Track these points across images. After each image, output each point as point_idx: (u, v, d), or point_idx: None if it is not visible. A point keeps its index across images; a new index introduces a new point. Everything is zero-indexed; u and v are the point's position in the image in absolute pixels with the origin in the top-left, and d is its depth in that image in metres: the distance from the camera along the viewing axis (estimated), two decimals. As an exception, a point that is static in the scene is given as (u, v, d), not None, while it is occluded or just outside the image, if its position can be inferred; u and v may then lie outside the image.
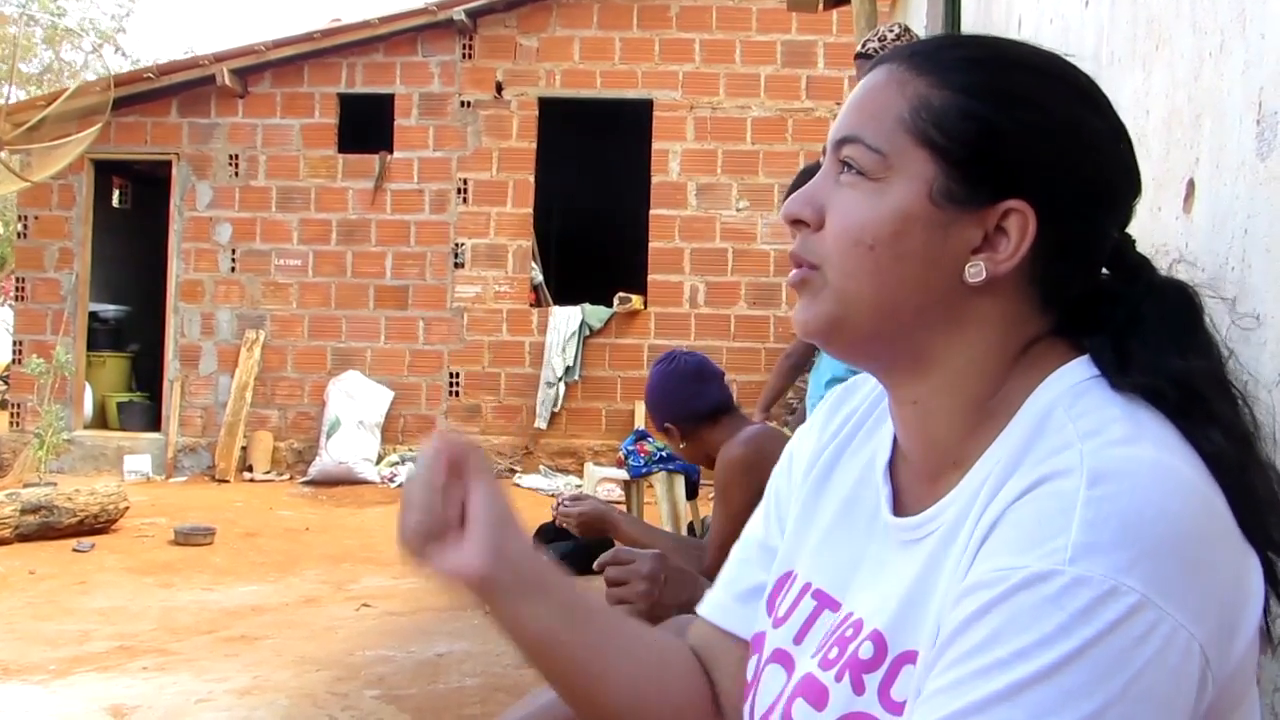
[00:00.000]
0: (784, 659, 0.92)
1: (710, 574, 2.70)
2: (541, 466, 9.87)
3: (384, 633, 4.87)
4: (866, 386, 1.02)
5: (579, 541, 6.24)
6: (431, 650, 4.50)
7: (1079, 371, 0.82)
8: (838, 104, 9.80)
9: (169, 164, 10.34)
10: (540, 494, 9.22)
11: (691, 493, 6.44)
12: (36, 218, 10.40)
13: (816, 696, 0.85)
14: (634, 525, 2.88)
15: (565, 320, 9.95)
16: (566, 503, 2.87)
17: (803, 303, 0.88)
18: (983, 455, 0.82)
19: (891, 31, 4.08)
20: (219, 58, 10.04)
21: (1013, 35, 3.23)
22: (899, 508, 0.91)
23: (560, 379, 9.88)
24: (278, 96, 10.27)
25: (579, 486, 8.73)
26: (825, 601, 0.92)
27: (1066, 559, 0.67)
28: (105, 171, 11.17)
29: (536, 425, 9.91)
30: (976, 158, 0.82)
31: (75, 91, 9.87)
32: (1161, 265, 0.89)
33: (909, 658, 0.80)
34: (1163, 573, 0.67)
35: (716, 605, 1.07)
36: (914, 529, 0.86)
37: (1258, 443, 0.82)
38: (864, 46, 4.05)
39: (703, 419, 2.81)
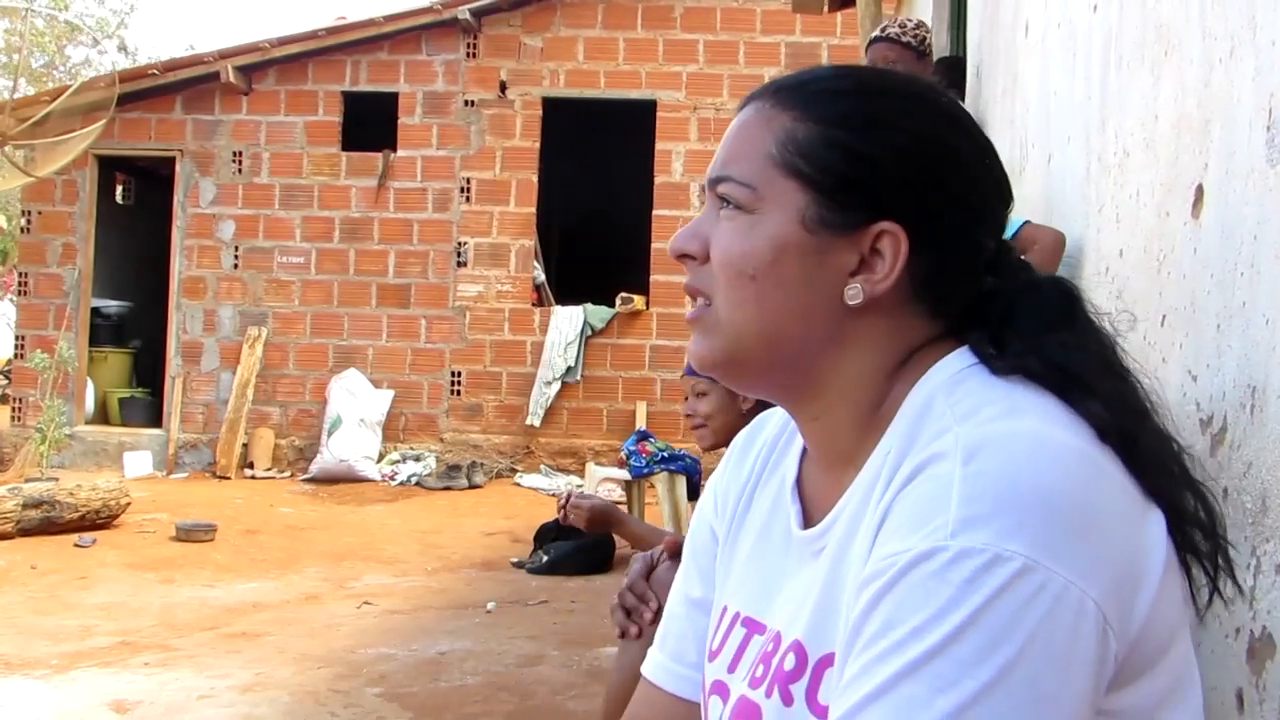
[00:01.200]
0: (721, 689, 0.94)
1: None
2: (543, 466, 9.88)
3: (385, 631, 4.88)
4: (772, 420, 1.06)
5: (580, 542, 6.28)
6: (433, 648, 4.51)
7: (957, 362, 0.85)
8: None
9: (173, 160, 10.35)
10: (541, 493, 9.22)
11: (693, 493, 6.45)
12: (40, 213, 10.41)
13: (750, 716, 0.87)
14: (639, 524, 2.89)
15: (567, 320, 9.95)
16: (577, 497, 2.89)
17: (697, 338, 0.91)
18: (870, 457, 0.85)
19: (910, 21, 4.12)
20: (223, 55, 10.05)
21: (1020, 39, 3.23)
22: (807, 521, 0.94)
23: (558, 378, 9.89)
24: (282, 94, 10.28)
25: (580, 486, 8.74)
26: (753, 627, 0.95)
27: (948, 534, 0.69)
28: (109, 167, 11.18)
29: (529, 423, 9.92)
30: (843, 184, 0.85)
31: (80, 87, 9.88)
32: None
33: (828, 661, 0.82)
34: (1046, 534, 0.69)
35: (655, 665, 1.10)
36: (818, 538, 0.89)
37: (1154, 417, 0.84)
38: (884, 30, 4.08)
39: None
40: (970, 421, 0.77)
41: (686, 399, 2.89)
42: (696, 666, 1.04)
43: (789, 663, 0.85)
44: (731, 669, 0.93)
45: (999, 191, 0.90)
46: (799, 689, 0.83)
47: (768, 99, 0.90)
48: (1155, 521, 0.77)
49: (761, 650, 0.90)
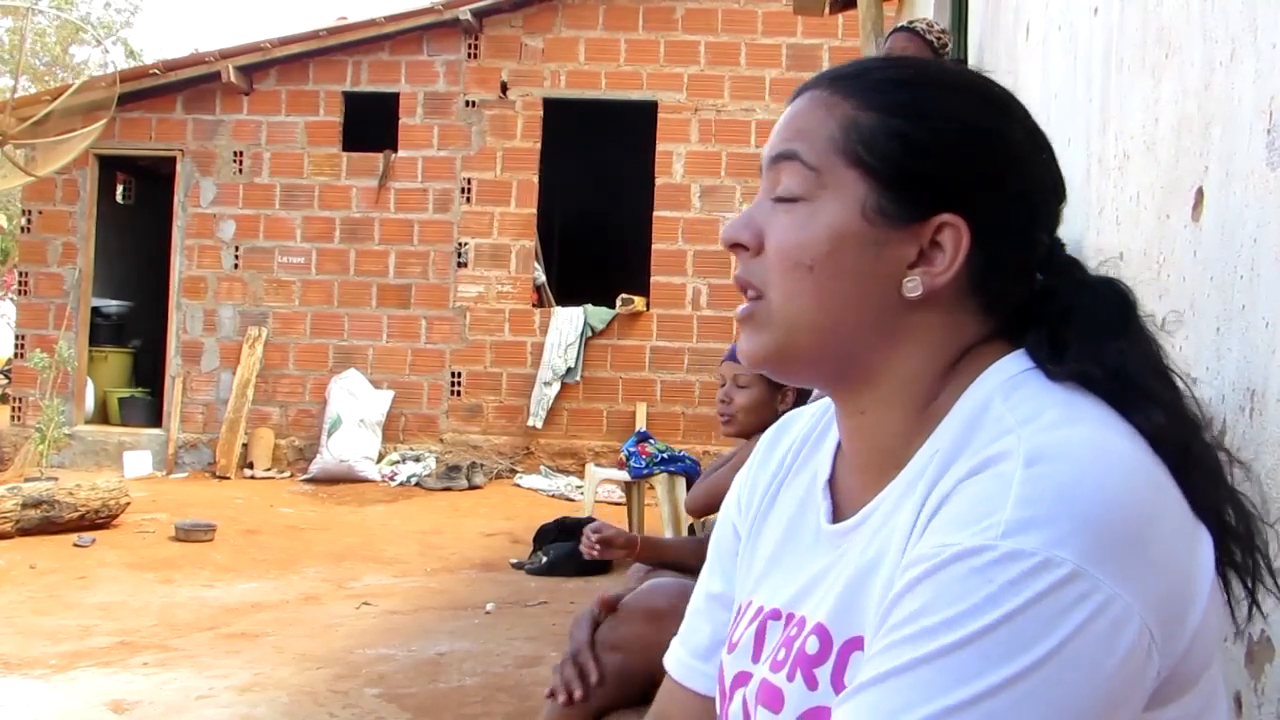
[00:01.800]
0: (744, 679, 0.94)
1: (694, 500, 2.75)
2: (542, 467, 9.87)
3: (385, 631, 4.88)
4: (800, 418, 1.06)
5: (579, 543, 6.27)
6: (432, 649, 4.50)
7: (1014, 365, 0.84)
8: (842, 108, 9.81)
9: (173, 160, 10.35)
10: (540, 494, 9.22)
11: (692, 495, 6.44)
12: (40, 212, 10.41)
13: (772, 699, 0.87)
14: (678, 545, 2.90)
15: (568, 321, 9.95)
16: (597, 529, 2.85)
17: (747, 334, 0.90)
18: (917, 453, 0.84)
19: (937, 24, 4.18)
20: (224, 54, 10.05)
21: (1021, 42, 3.23)
22: (838, 517, 0.93)
23: (558, 378, 9.89)
24: (283, 94, 10.28)
25: (579, 488, 8.74)
26: (774, 616, 0.94)
27: (999, 534, 0.69)
28: (110, 167, 11.18)
29: (531, 424, 9.92)
30: (906, 175, 0.84)
31: (81, 87, 9.87)
32: (1091, 264, 0.92)
33: (856, 644, 0.81)
34: (1100, 545, 0.68)
35: (678, 661, 1.09)
36: (849, 532, 0.89)
37: (1204, 430, 0.83)
38: (909, 23, 4.14)
39: (799, 392, 2.79)
40: (1032, 425, 0.76)
41: (724, 384, 2.88)
42: (717, 663, 1.03)
43: (811, 646, 0.84)
44: (755, 658, 0.93)
45: (1055, 187, 0.90)
46: (823, 672, 0.83)
47: (825, 88, 0.89)
48: (1204, 540, 0.76)
49: (784, 635, 0.90)
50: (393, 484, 9.54)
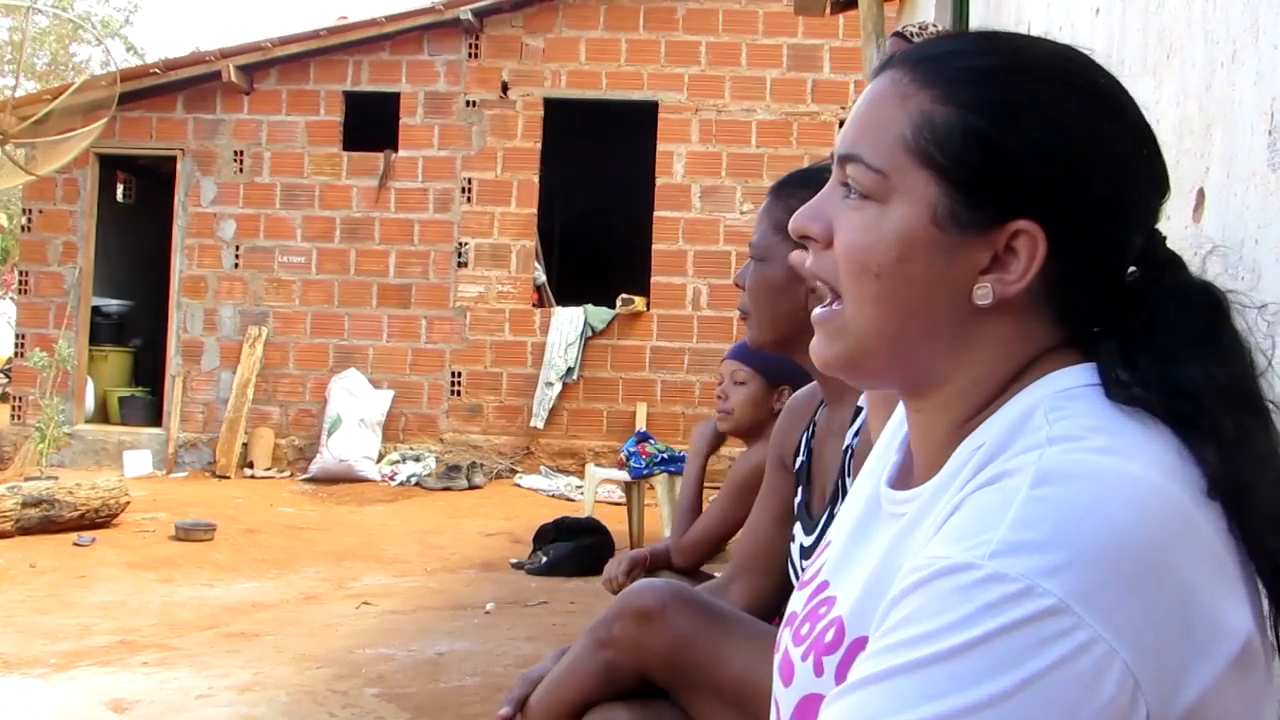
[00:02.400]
0: (790, 620, 0.95)
1: (681, 552, 2.70)
2: (542, 467, 9.87)
3: (384, 631, 4.87)
4: None
5: (579, 543, 6.27)
6: (432, 649, 4.50)
7: (1073, 378, 0.80)
8: (843, 108, 9.82)
9: (174, 159, 10.35)
10: (540, 494, 9.22)
11: (692, 495, 6.44)
12: (41, 211, 10.41)
13: (787, 671, 0.88)
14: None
15: (568, 321, 9.95)
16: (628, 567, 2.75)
17: (822, 339, 0.87)
18: (955, 452, 0.82)
19: (936, 27, 4.17)
20: (225, 54, 10.05)
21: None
22: (900, 482, 0.92)
23: (560, 379, 9.89)
24: (283, 93, 10.28)
25: (579, 488, 8.74)
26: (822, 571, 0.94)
27: (987, 554, 0.67)
28: (110, 166, 11.18)
29: (533, 425, 9.92)
30: (981, 179, 0.79)
31: (81, 86, 9.87)
32: (1193, 259, 0.85)
33: (861, 644, 0.80)
34: (1092, 583, 0.65)
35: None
36: (896, 503, 0.88)
37: (1277, 460, 0.76)
38: (904, 28, 4.13)
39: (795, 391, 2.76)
40: (1061, 445, 0.72)
41: (722, 381, 2.86)
42: None
43: (829, 635, 0.84)
44: (802, 609, 0.92)
45: (1154, 182, 0.83)
46: (831, 662, 0.83)
47: (906, 71, 0.83)
48: (1239, 599, 0.71)
49: (815, 606, 0.89)
50: (393, 484, 9.54)
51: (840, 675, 0.81)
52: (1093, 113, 0.80)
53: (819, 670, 0.83)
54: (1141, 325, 0.80)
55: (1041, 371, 0.81)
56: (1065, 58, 0.84)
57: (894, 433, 1.00)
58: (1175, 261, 0.83)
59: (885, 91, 0.84)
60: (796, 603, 0.95)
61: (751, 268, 1.73)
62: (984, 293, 0.80)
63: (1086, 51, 0.85)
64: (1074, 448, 0.72)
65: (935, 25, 4.22)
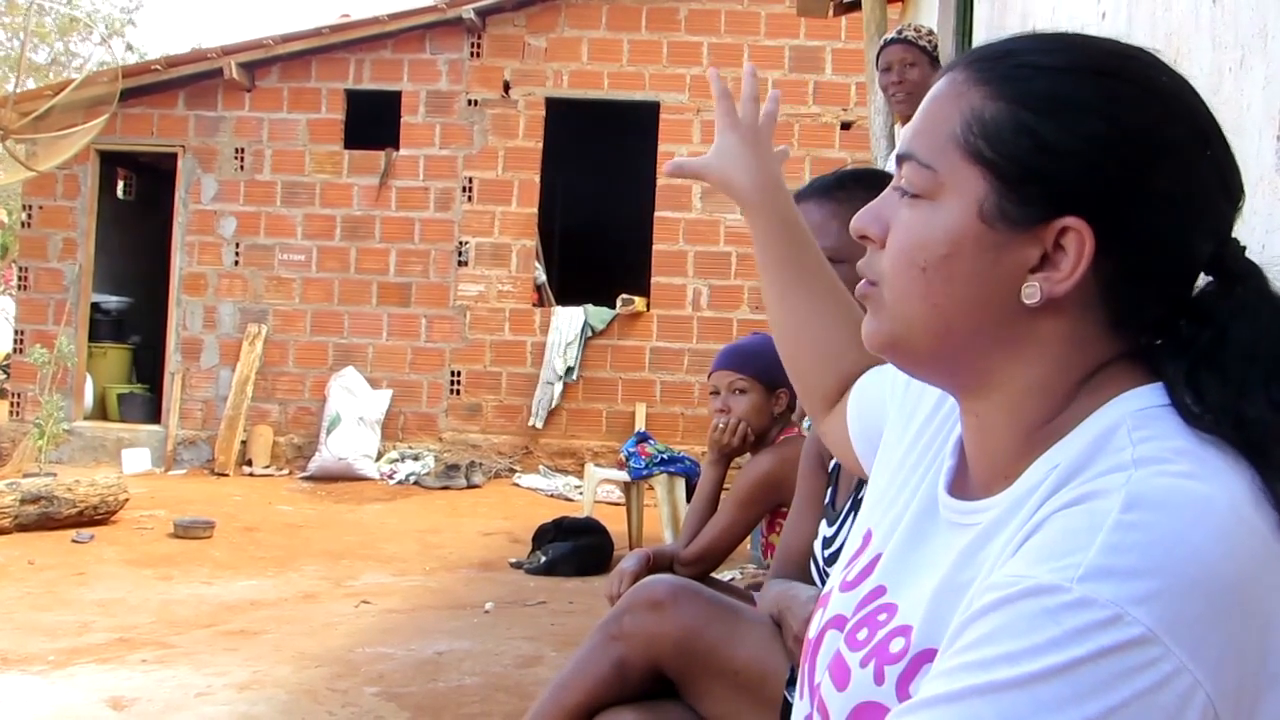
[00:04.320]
0: (839, 623, 0.93)
1: (687, 563, 2.68)
2: (541, 466, 9.87)
3: (383, 630, 4.87)
4: None
5: (578, 543, 6.28)
6: (431, 648, 4.50)
7: (1150, 397, 0.78)
8: (844, 110, 9.82)
9: (174, 156, 10.34)
10: (539, 494, 9.22)
11: (691, 496, 6.44)
12: (41, 207, 10.40)
13: (841, 675, 0.86)
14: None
15: (568, 320, 9.95)
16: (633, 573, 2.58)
17: (867, 316, 0.88)
18: (1031, 467, 0.80)
19: (924, 27, 4.21)
20: (226, 51, 10.04)
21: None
22: (955, 487, 0.91)
23: (560, 379, 9.88)
24: (285, 91, 10.27)
25: (578, 488, 8.73)
26: (878, 560, 0.93)
27: (1076, 577, 0.66)
28: (111, 162, 11.17)
29: (533, 424, 9.91)
30: (1029, 174, 0.78)
31: (83, 82, 9.86)
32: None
33: (928, 656, 0.80)
34: (1181, 613, 0.64)
35: (861, 385, 1.17)
36: (961, 513, 0.86)
37: None
38: (900, 32, 4.17)
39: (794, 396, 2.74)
40: (1148, 469, 0.71)
41: (717, 393, 2.83)
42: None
43: (895, 643, 0.83)
44: (854, 612, 0.91)
45: (1223, 186, 0.80)
46: (894, 672, 0.82)
47: (965, 69, 0.83)
48: None
49: (873, 611, 0.88)
50: (391, 482, 9.53)
51: (902, 686, 0.80)
52: (1152, 109, 0.79)
53: (879, 679, 0.82)
54: (1208, 346, 0.78)
55: (1111, 384, 0.80)
56: (1127, 55, 0.82)
57: (919, 428, 0.99)
58: (1253, 272, 0.80)
59: (943, 92, 0.85)
60: (843, 605, 0.93)
61: None
62: (1032, 291, 0.79)
63: (1154, 51, 0.83)
64: (1161, 472, 0.70)
65: (923, 26, 4.24)
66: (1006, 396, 0.83)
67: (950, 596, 0.80)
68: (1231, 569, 0.66)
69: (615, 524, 6.84)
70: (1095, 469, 0.73)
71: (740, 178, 1.37)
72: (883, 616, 0.86)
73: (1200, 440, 0.74)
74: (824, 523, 1.73)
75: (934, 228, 0.81)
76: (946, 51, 5.20)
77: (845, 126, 9.88)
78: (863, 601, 0.91)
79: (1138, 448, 0.73)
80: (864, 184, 1.69)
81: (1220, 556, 0.66)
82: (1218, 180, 0.80)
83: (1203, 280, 0.81)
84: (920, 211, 0.82)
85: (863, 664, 0.84)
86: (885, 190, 0.87)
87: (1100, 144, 0.77)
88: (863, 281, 0.88)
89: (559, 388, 9.90)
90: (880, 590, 0.89)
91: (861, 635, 0.87)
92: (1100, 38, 0.84)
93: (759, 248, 1.29)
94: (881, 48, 4.28)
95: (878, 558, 0.94)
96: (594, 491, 7.26)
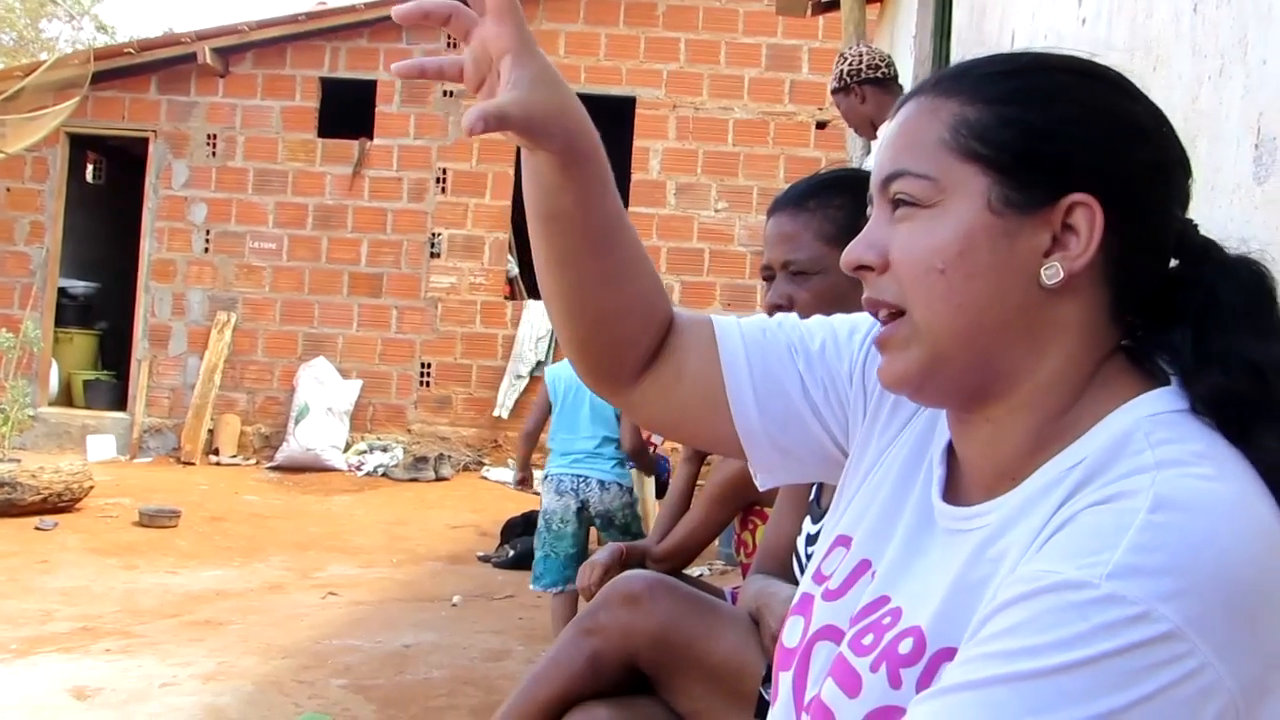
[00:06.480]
0: (834, 635, 0.92)
1: (661, 558, 2.69)
2: (510, 460, 9.83)
3: (350, 622, 4.85)
4: None
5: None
6: (398, 641, 4.48)
7: (1163, 402, 0.80)
8: (820, 108, 9.84)
9: (146, 141, 10.24)
10: (508, 487, 9.18)
11: (661, 492, 6.44)
12: (9, 190, 10.27)
13: (849, 683, 0.86)
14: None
15: (539, 314, 9.93)
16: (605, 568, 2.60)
17: (891, 356, 0.87)
18: (1044, 466, 0.81)
19: (852, 55, 4.11)
20: (201, 36, 9.95)
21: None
22: (947, 494, 0.91)
23: (530, 372, 9.86)
24: (259, 77, 10.19)
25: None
26: (864, 568, 0.93)
27: (1104, 574, 0.67)
28: (81, 146, 11.04)
29: (496, 415, 9.89)
30: (1025, 159, 0.82)
31: (54, 63, 9.75)
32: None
33: (947, 655, 0.80)
34: (1207, 609, 0.66)
35: (732, 330, 1.04)
36: (962, 519, 0.86)
37: None
38: (839, 81, 4.08)
39: None
40: (1172, 470, 0.73)
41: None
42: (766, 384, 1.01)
43: (905, 646, 0.83)
44: (853, 621, 0.90)
45: (1182, 161, 0.86)
46: (911, 674, 0.82)
47: (928, 92, 0.87)
48: None
49: (872, 615, 0.88)
50: (359, 474, 9.49)
51: (921, 686, 0.81)
52: (1115, 94, 0.85)
53: (895, 682, 0.82)
54: (1202, 306, 0.82)
55: (1115, 381, 0.83)
56: (1078, 58, 0.88)
57: (891, 437, 0.99)
58: (1213, 244, 0.85)
59: (913, 114, 0.87)
60: (833, 615, 0.93)
61: (786, 287, 1.69)
62: (1053, 271, 0.81)
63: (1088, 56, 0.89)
64: (1185, 474, 0.73)
65: (851, 53, 4.16)
66: (1027, 391, 0.84)
67: (964, 595, 0.81)
68: (1256, 570, 0.69)
69: (584, 519, 6.82)
70: (1117, 470, 0.75)
71: (549, 109, 0.98)
72: (887, 620, 0.87)
73: (1217, 441, 0.77)
74: (807, 519, 1.73)
75: (943, 230, 0.83)
76: (925, 55, 5.21)
77: (821, 126, 9.91)
78: (863, 612, 0.91)
79: (1158, 450, 0.75)
80: (835, 189, 1.68)
81: (1244, 557, 0.69)
82: (1178, 153, 0.86)
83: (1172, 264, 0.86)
84: (921, 222, 0.84)
85: (873, 668, 0.84)
86: (870, 220, 0.88)
87: (1081, 122, 0.82)
88: (884, 327, 0.86)
89: (527, 380, 9.88)
90: (884, 599, 0.89)
91: (867, 640, 0.87)
92: (1037, 49, 0.90)
93: (575, 191, 1.03)
94: (832, 93, 4.22)
95: (863, 566, 0.94)
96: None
